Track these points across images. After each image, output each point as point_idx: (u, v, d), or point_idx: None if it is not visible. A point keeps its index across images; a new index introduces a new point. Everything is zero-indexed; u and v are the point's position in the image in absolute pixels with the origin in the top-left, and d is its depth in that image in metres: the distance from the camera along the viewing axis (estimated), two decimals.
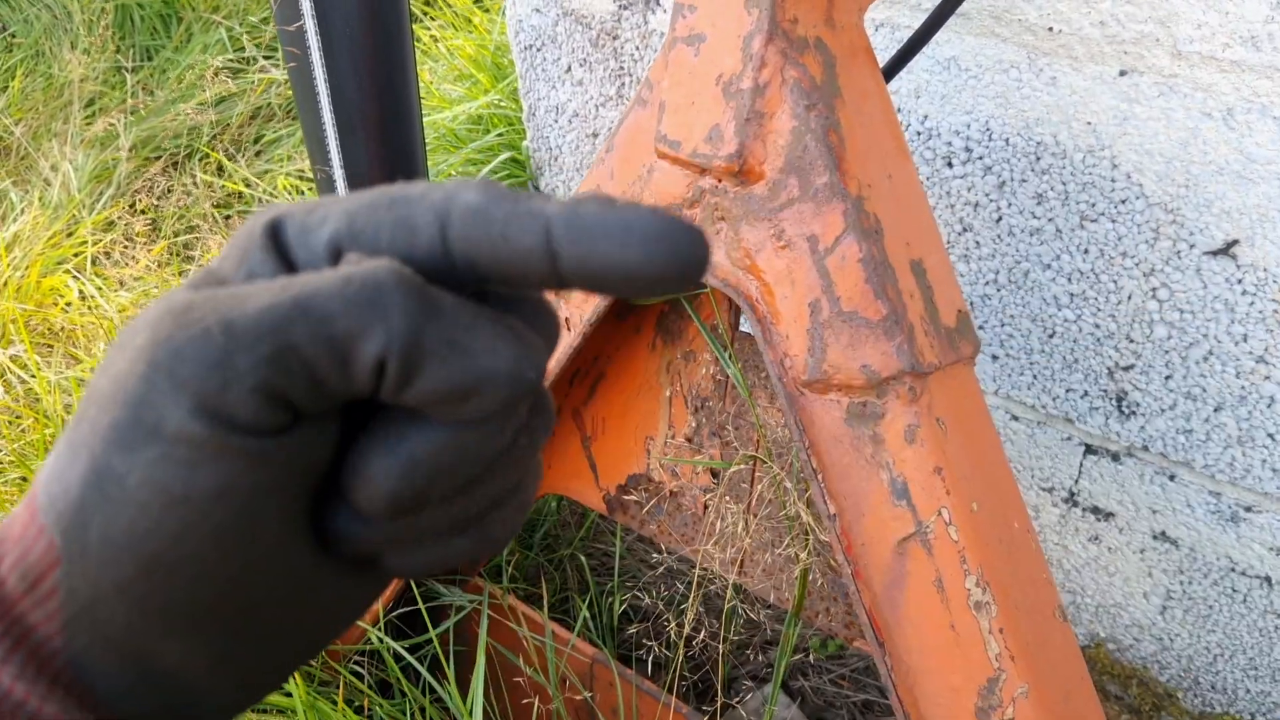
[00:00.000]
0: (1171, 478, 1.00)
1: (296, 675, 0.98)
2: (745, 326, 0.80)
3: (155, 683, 0.27)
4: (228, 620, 0.26)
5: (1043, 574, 0.71)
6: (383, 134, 1.04)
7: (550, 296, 0.85)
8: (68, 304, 1.51)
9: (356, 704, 1.02)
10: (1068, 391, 1.02)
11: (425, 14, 2.09)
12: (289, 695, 0.98)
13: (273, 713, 1.00)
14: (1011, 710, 0.66)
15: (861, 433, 0.68)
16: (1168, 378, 0.94)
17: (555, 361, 0.83)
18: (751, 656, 1.21)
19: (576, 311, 0.82)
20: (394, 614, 1.07)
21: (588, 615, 1.22)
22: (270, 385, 0.23)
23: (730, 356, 0.80)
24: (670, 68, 0.70)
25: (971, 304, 1.05)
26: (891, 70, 0.80)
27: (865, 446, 0.68)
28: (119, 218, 1.85)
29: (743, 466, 0.84)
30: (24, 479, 1.17)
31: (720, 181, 0.70)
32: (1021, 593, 0.68)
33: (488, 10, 1.89)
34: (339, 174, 1.03)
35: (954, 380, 0.69)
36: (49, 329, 1.48)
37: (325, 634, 0.30)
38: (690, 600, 0.85)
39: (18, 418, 1.30)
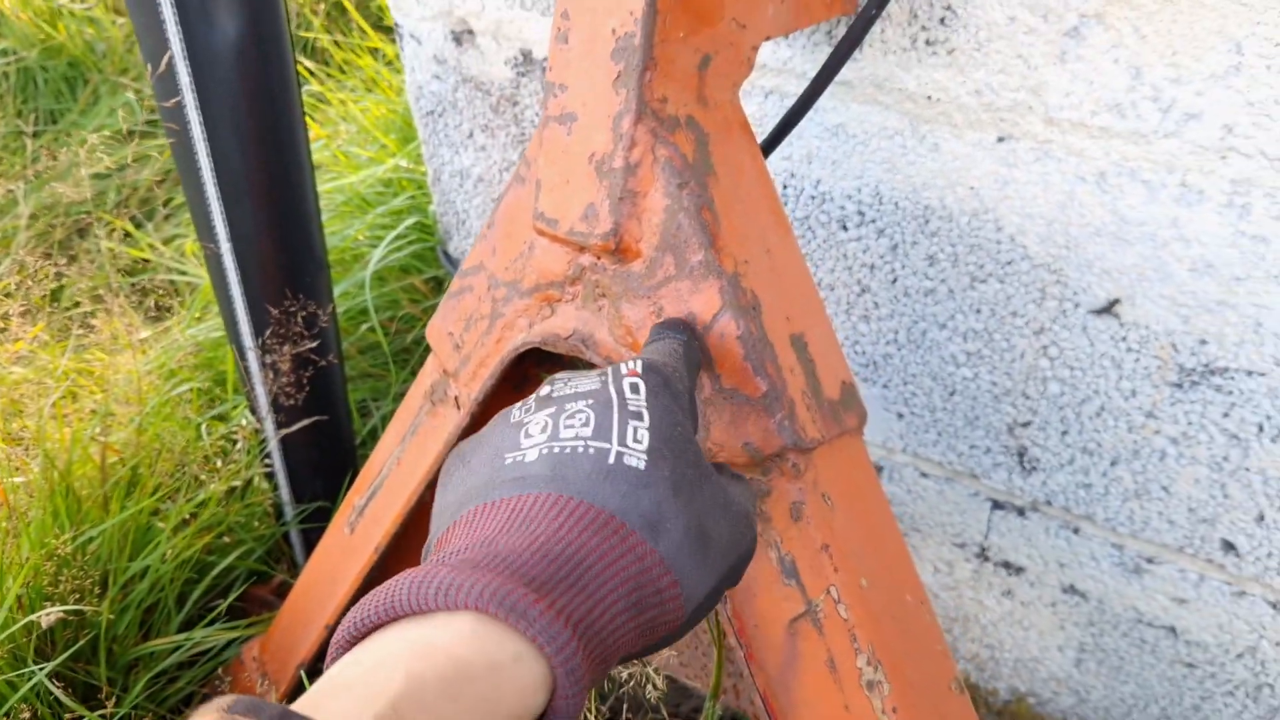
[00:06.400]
0: (1076, 531, 1.00)
1: None
2: None
3: None
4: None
5: (937, 645, 0.70)
6: (271, 202, 1.01)
7: (441, 374, 0.83)
8: None
9: None
10: (971, 448, 1.03)
11: (340, 75, 2.07)
12: None
13: None
14: None
15: None
16: (1064, 433, 0.95)
17: (444, 443, 0.81)
18: None
19: (465, 390, 0.80)
20: None
21: None
22: None
23: None
24: (544, 146, 0.69)
25: (875, 363, 1.05)
26: (773, 141, 0.80)
27: None
28: (17, 287, 1.78)
29: None
30: None
31: (599, 259, 0.69)
32: (915, 668, 0.67)
33: (399, 71, 1.88)
34: (226, 248, 1.00)
35: (840, 453, 0.69)
36: None
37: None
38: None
39: None
